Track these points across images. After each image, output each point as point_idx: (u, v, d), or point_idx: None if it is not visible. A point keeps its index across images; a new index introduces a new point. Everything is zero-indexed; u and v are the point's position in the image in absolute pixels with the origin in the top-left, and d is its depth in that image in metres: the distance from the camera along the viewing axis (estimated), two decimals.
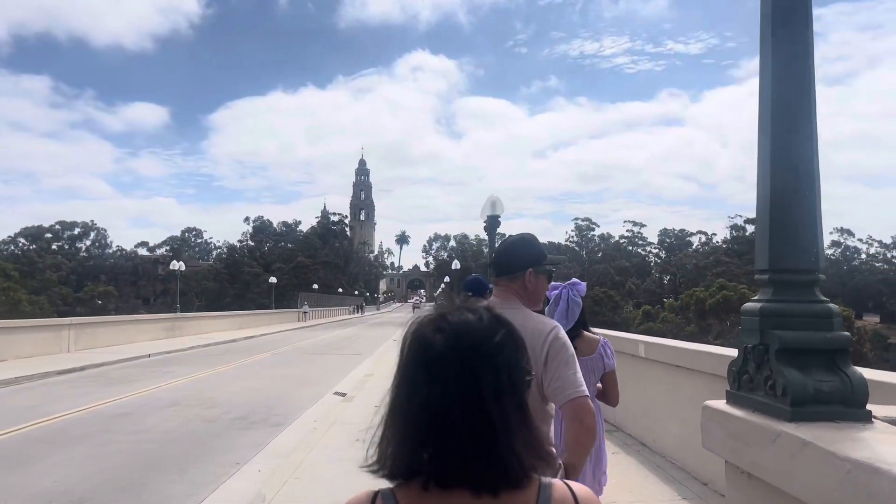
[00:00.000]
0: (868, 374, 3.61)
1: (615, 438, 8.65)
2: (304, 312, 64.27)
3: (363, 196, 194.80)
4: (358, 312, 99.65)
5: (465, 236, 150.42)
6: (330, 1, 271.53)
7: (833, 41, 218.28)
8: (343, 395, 13.98)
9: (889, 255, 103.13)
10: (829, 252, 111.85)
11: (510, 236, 2.97)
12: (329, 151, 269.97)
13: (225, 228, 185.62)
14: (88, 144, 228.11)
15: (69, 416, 11.80)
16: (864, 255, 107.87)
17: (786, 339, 2.62)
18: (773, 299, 2.75)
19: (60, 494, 7.15)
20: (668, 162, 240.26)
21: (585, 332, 4.03)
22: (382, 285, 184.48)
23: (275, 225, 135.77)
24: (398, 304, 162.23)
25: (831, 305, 2.70)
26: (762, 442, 2.50)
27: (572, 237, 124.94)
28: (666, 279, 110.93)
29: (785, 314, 2.69)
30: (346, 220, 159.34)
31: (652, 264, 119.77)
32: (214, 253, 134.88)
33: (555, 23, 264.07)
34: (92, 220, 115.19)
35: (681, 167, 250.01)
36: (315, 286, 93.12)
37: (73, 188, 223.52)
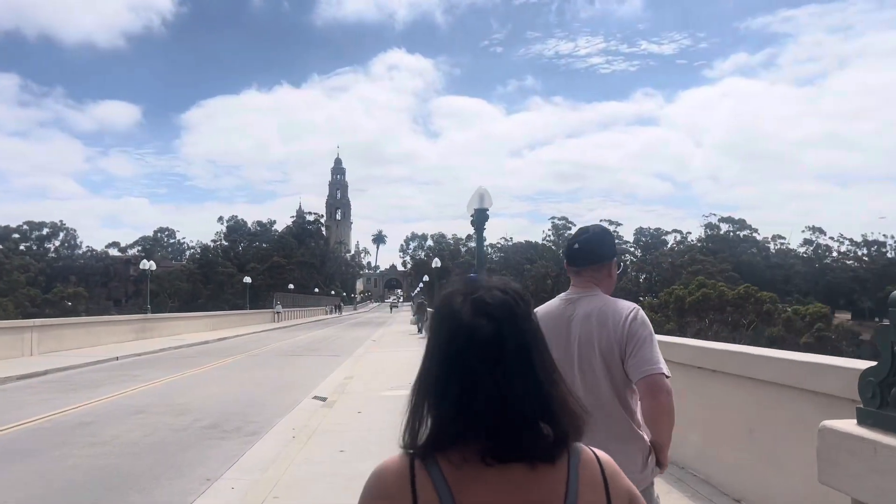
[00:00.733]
0: None
1: None
2: (277, 313, 62.92)
3: (339, 195, 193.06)
4: (336, 312, 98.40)
5: (442, 235, 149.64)
6: None
7: (804, 43, 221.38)
8: (323, 399, 13.11)
9: (860, 253, 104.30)
10: (801, 250, 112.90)
11: (588, 227, 2.94)
12: (304, 150, 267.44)
13: (198, 228, 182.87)
14: (58, 143, 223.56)
15: (22, 427, 10.78)
16: (835, 253, 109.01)
17: None
18: None
19: None
20: (643, 161, 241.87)
21: None
22: (359, 285, 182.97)
23: (249, 224, 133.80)
24: (375, 304, 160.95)
25: None
26: None
27: (549, 236, 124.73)
28: (642, 278, 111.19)
29: None
30: (322, 220, 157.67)
31: (628, 263, 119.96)
32: (188, 253, 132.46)
33: (530, 22, 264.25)
34: (61, 220, 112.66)
35: (656, 166, 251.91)
36: (291, 286, 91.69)
37: (42, 187, 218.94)
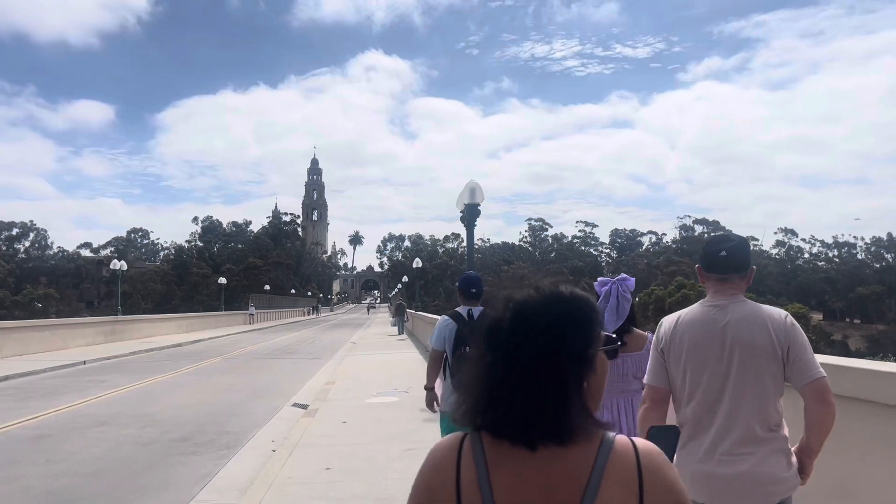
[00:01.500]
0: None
1: None
2: (251, 315, 61.26)
3: (315, 196, 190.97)
4: (313, 314, 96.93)
5: (419, 236, 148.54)
6: (282, 0, 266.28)
7: (776, 47, 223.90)
8: (304, 407, 12.14)
9: (830, 255, 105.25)
10: (773, 251, 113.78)
11: (728, 236, 2.91)
12: (280, 151, 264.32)
13: (173, 229, 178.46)
14: (29, 143, 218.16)
15: None
16: (806, 255, 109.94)
17: None
18: None
19: None
20: (618, 163, 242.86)
21: (635, 329, 4.04)
22: (336, 286, 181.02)
23: (224, 225, 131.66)
24: (352, 305, 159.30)
25: None
26: None
27: (526, 237, 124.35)
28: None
29: None
30: (299, 221, 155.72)
31: (604, 264, 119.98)
32: (162, 254, 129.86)
33: (507, 25, 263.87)
34: (31, 221, 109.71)
35: (630, 168, 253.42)
36: (267, 287, 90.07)
37: (12, 188, 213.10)
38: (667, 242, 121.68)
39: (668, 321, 2.87)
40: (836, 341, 78.50)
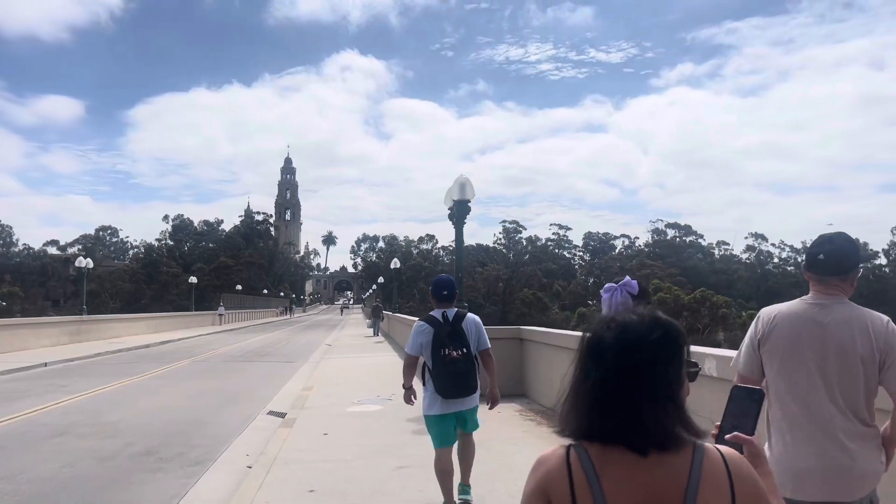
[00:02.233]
0: None
1: None
2: (220, 315, 59.55)
3: (289, 195, 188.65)
4: (286, 314, 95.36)
5: (394, 237, 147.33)
6: None
7: (747, 54, 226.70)
8: (281, 416, 11.25)
9: (799, 259, 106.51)
10: (744, 256, 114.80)
11: (831, 237, 2.88)
12: (254, 150, 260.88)
13: (143, 227, 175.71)
14: None
15: None
16: (776, 259, 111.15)
17: None
18: None
19: None
20: (591, 167, 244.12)
21: None
22: (308, 287, 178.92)
23: (196, 224, 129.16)
24: (325, 306, 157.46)
25: None
26: None
27: (500, 239, 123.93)
28: (590, 281, 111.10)
29: None
30: (271, 220, 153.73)
31: (577, 267, 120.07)
32: (131, 253, 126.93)
33: (482, 28, 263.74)
34: None
35: (604, 173, 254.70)
36: (238, 287, 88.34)
37: None
38: (639, 246, 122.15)
39: (766, 314, 2.89)
40: None
